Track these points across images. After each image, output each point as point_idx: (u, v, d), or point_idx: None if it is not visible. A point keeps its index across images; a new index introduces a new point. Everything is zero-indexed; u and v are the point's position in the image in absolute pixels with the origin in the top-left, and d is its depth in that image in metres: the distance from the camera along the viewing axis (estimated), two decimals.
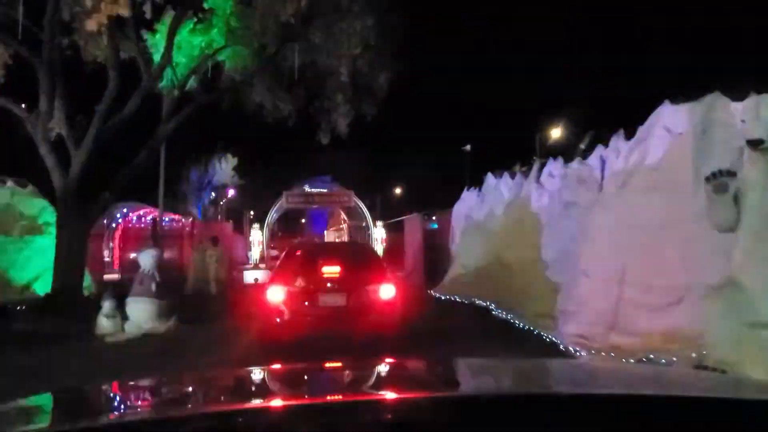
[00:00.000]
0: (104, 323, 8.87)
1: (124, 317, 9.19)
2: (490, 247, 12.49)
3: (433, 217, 20.13)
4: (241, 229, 25.87)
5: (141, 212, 20.45)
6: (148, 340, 8.73)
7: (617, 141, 8.06)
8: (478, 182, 16.86)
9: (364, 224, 25.60)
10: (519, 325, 9.22)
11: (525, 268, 10.43)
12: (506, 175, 12.64)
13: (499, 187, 12.70)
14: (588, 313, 7.42)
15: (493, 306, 11.13)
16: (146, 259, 9.46)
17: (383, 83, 16.14)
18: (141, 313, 9.13)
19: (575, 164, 9.27)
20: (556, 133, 34.04)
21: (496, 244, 12.09)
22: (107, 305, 8.94)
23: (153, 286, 9.26)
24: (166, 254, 19.35)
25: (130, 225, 17.96)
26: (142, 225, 18.57)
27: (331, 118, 17.32)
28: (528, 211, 10.83)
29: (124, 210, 19.75)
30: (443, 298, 13.92)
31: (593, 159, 8.65)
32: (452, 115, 52.43)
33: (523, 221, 11.06)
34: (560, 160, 10.05)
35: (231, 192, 32.41)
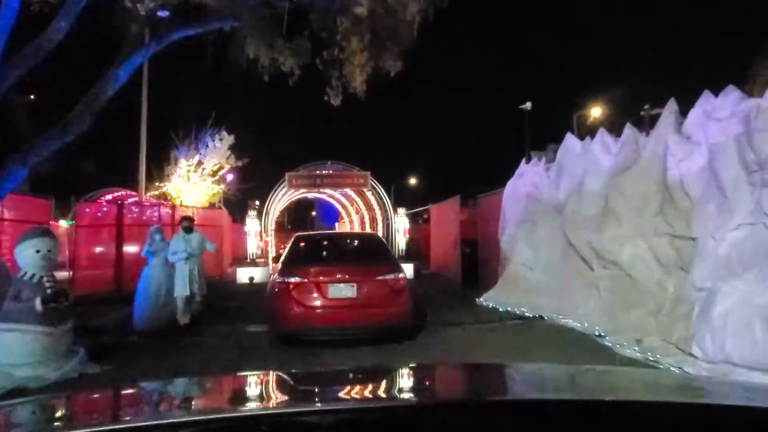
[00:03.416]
0: None
1: None
2: (579, 238, 8.44)
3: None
4: (244, 220, 21.92)
5: (111, 197, 16.64)
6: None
7: None
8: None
9: (380, 214, 21.62)
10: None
11: (664, 273, 6.39)
12: (603, 133, 8.54)
13: (590, 152, 8.61)
14: None
15: (600, 331, 7.08)
16: (26, 253, 5.50)
17: (414, 19, 12.08)
18: (13, 351, 5.22)
19: None
20: (596, 111, 30.30)
21: (593, 235, 8.04)
22: None
23: (38, 303, 5.33)
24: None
25: (89, 210, 14.06)
26: (106, 212, 14.65)
27: (344, 71, 13.29)
28: (659, 180, 6.78)
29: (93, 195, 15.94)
30: (501, 309, 9.89)
31: None
32: (484, 81, 47.85)
33: (647, 198, 7.01)
34: (732, 90, 5.94)
35: (230, 177, 28.51)
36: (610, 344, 6.56)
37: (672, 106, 6.85)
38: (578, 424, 1.16)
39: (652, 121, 11.76)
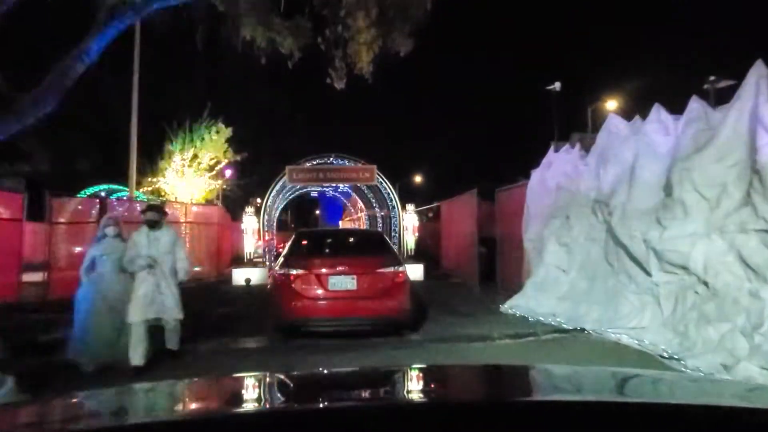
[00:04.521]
0: None
1: None
2: (630, 236, 7.05)
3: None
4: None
5: (104, 193, 15.32)
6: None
7: None
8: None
9: (385, 212, 20.25)
10: None
11: (756, 279, 5.01)
12: (660, 110, 7.13)
13: (643, 133, 7.22)
14: None
15: (668, 351, 5.68)
16: None
17: None
18: None
19: None
20: (611, 105, 28.91)
21: (651, 231, 6.64)
22: None
23: None
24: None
25: (66, 206, 12.75)
26: (87, 208, 13.32)
27: (348, 50, 11.89)
28: (743, 162, 5.40)
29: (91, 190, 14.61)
30: (531, 319, 8.51)
31: None
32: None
33: (726, 185, 5.63)
34: None
35: (228, 172, 27.21)
36: (688, 370, 5.17)
37: (761, 68, 5.46)
38: (580, 426, 1.12)
39: (718, 96, 10.35)
